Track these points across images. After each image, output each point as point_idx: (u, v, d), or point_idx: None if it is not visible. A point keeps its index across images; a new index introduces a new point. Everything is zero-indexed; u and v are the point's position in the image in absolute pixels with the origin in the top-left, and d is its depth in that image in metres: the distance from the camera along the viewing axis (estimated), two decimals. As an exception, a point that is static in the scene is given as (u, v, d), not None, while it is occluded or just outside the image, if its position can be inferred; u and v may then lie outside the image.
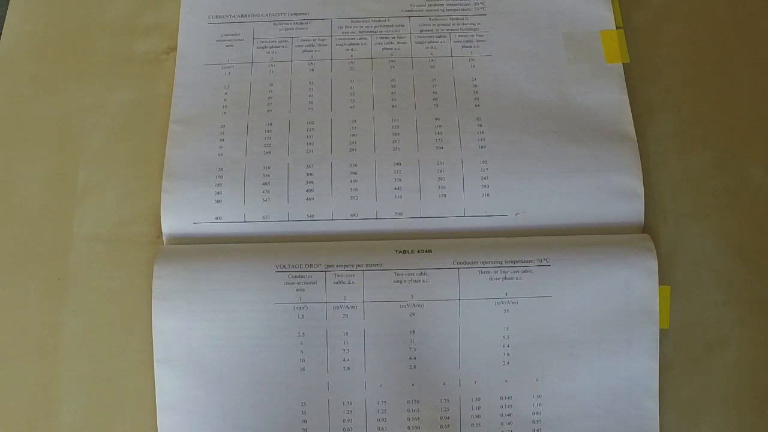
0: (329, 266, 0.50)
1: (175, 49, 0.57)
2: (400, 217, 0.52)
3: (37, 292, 0.52)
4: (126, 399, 0.51)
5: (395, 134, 0.54)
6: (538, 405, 0.50)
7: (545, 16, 0.58)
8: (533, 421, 0.50)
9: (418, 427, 0.50)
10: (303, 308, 0.49)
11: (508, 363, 0.50)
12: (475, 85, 0.56)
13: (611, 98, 0.56)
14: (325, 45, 0.57)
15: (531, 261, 0.50)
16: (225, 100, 0.55)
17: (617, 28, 0.59)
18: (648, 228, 0.53)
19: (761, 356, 0.53)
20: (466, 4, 0.59)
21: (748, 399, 0.52)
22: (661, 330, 0.50)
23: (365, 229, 0.52)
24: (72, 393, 0.51)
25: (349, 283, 0.50)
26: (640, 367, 0.50)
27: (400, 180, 0.53)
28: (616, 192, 0.52)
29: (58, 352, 0.51)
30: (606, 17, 0.59)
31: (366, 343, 0.50)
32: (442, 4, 0.59)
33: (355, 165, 0.53)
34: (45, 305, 0.52)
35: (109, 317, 0.52)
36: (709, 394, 0.52)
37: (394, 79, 0.56)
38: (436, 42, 0.57)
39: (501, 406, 0.50)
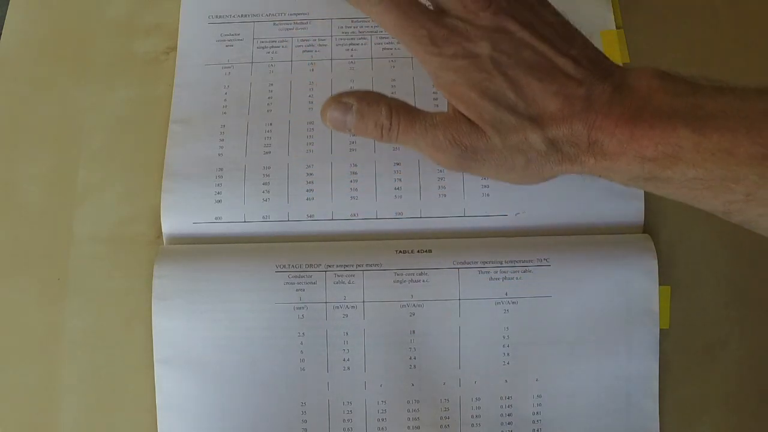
0: (329, 266, 0.50)
1: (175, 49, 0.57)
2: (400, 217, 0.52)
3: (37, 292, 0.52)
4: (126, 399, 0.51)
5: (395, 134, 0.54)
6: (538, 405, 0.50)
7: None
8: (533, 421, 0.50)
9: (418, 427, 0.50)
10: (303, 308, 0.49)
11: (508, 363, 0.50)
12: None
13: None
14: (325, 45, 0.57)
15: (531, 261, 0.50)
16: (225, 100, 0.55)
17: (617, 28, 0.59)
18: (648, 228, 0.53)
19: (761, 356, 0.53)
20: (465, 4, 0.59)
21: (748, 399, 0.52)
22: (661, 330, 0.50)
23: (365, 229, 0.52)
24: (72, 393, 0.51)
25: (349, 283, 0.50)
26: (640, 367, 0.50)
27: (400, 180, 0.53)
28: (616, 192, 0.52)
29: (58, 352, 0.51)
30: (606, 17, 0.59)
31: (366, 343, 0.50)
32: (442, 4, 0.59)
33: (355, 165, 0.54)
34: (45, 305, 0.52)
35: (109, 317, 0.52)
36: (709, 395, 0.52)
37: (394, 79, 0.56)
38: (436, 42, 0.57)
39: (501, 406, 0.50)
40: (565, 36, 0.44)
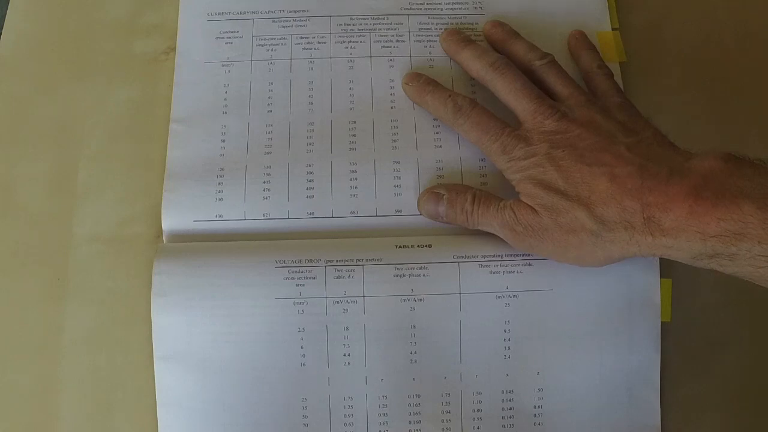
0: (329, 261, 0.50)
1: (175, 49, 0.58)
2: (399, 214, 0.52)
3: (37, 292, 0.52)
4: (126, 398, 0.51)
5: (394, 134, 0.55)
6: (539, 398, 0.50)
7: (542, 17, 0.59)
8: (534, 415, 0.50)
9: (419, 422, 0.50)
10: (303, 303, 0.49)
11: (509, 357, 0.50)
12: (473, 84, 0.56)
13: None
14: (324, 42, 0.57)
15: (531, 254, 0.50)
16: (225, 99, 0.56)
17: (613, 29, 0.59)
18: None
19: (762, 354, 0.53)
20: (464, 4, 0.59)
21: (749, 397, 0.52)
22: (663, 324, 0.50)
23: (365, 226, 0.52)
24: (72, 393, 0.51)
25: (349, 277, 0.50)
26: (642, 360, 0.50)
27: (399, 178, 0.53)
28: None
29: (58, 352, 0.51)
30: (602, 19, 0.60)
31: (366, 338, 0.50)
32: (441, 3, 0.59)
33: (355, 164, 0.54)
34: (45, 305, 0.52)
35: (109, 317, 0.52)
36: (711, 391, 0.52)
37: (392, 80, 0.57)
38: (435, 41, 0.58)
39: (502, 400, 0.50)
40: (631, 129, 0.49)
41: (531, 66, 0.54)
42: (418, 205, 0.53)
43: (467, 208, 0.50)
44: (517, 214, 0.48)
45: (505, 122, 0.52)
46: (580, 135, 0.48)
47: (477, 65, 0.54)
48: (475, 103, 0.53)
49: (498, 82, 0.53)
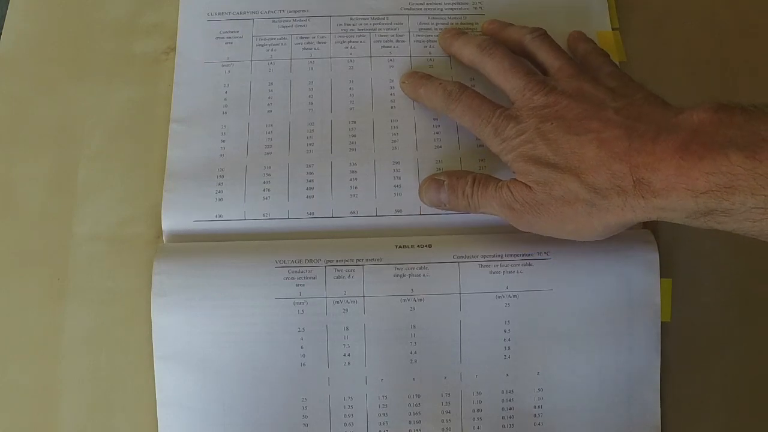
0: (329, 261, 0.50)
1: (175, 48, 0.58)
2: (399, 214, 0.53)
3: (37, 292, 0.52)
4: (126, 397, 0.51)
5: (394, 134, 0.55)
6: (539, 398, 0.50)
7: (542, 17, 0.59)
8: (534, 415, 0.50)
9: (419, 422, 0.50)
10: (303, 303, 0.49)
11: (509, 357, 0.50)
12: (473, 85, 0.56)
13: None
14: (324, 42, 0.58)
15: (531, 254, 0.50)
16: (225, 99, 0.56)
17: (613, 29, 0.59)
18: (648, 225, 0.53)
19: (762, 354, 0.53)
20: (464, 4, 0.59)
21: (750, 397, 0.52)
22: (662, 328, 0.50)
23: (365, 226, 0.52)
24: (72, 393, 0.51)
25: (349, 277, 0.50)
26: (642, 360, 0.50)
27: (399, 178, 0.53)
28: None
29: (58, 352, 0.51)
30: (602, 19, 0.60)
31: (366, 338, 0.50)
32: (441, 3, 0.59)
33: (355, 164, 0.54)
34: (45, 305, 0.52)
35: (109, 317, 0.52)
36: (711, 392, 0.52)
37: (392, 80, 0.57)
38: (435, 41, 0.58)
39: (502, 400, 0.50)
40: (621, 93, 0.49)
41: (523, 42, 0.54)
42: (419, 194, 0.53)
43: (467, 191, 0.50)
44: (513, 192, 0.48)
45: (498, 104, 0.51)
46: (568, 106, 0.48)
47: (467, 50, 0.54)
48: (465, 87, 0.53)
49: (488, 64, 0.53)
